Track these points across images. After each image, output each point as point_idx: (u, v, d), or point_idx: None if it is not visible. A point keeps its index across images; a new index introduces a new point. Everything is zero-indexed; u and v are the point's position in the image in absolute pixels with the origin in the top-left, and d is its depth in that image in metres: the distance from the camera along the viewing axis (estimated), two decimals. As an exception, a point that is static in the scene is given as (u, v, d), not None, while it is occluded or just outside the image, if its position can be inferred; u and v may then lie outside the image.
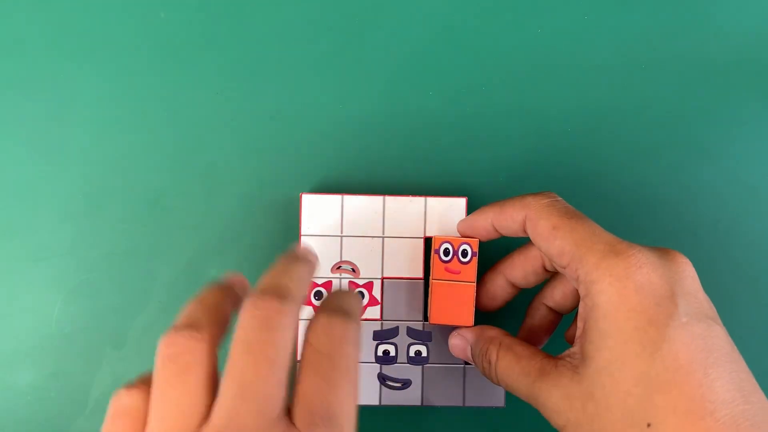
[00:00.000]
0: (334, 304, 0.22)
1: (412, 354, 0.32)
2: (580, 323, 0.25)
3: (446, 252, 0.30)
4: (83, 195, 0.34)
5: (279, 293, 0.21)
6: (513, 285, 0.31)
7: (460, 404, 0.32)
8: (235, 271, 0.25)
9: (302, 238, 0.32)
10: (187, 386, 0.20)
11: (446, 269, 0.30)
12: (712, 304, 0.24)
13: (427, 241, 0.32)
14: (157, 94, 0.34)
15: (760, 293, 0.35)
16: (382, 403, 0.32)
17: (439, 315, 0.30)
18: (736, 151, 0.35)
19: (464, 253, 0.30)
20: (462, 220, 0.31)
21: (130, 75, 0.34)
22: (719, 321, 0.24)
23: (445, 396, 0.32)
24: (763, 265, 0.35)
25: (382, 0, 0.34)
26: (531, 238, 0.27)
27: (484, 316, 0.32)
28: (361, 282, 0.32)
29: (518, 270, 0.30)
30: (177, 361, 0.20)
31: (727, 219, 0.35)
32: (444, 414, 0.35)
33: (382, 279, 0.32)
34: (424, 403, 0.32)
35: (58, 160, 0.34)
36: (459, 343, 0.30)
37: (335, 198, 0.32)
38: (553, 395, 0.24)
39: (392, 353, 0.32)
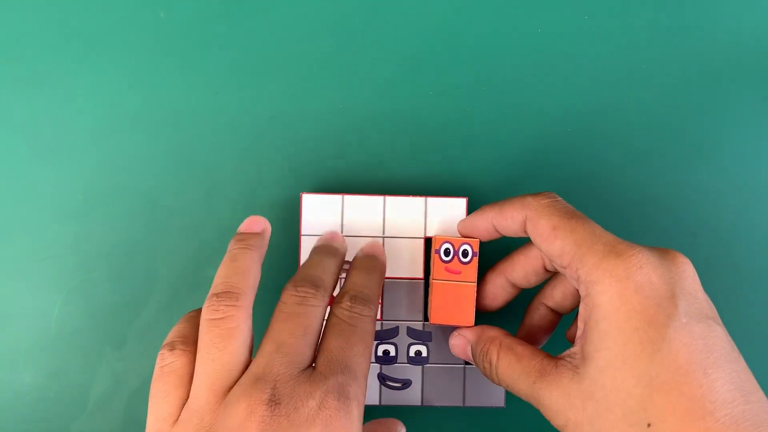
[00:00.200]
0: (357, 289, 0.27)
1: (412, 354, 0.32)
2: (580, 323, 0.25)
3: (447, 252, 0.30)
4: (83, 195, 0.34)
5: (314, 282, 0.26)
6: (513, 285, 0.31)
7: (460, 404, 0.32)
8: (255, 216, 0.29)
9: (302, 238, 0.32)
10: (228, 346, 0.25)
11: (447, 269, 0.30)
12: (712, 305, 0.24)
13: (428, 241, 0.32)
14: (157, 94, 0.34)
15: (760, 293, 0.35)
16: (382, 403, 0.32)
17: (439, 315, 0.30)
18: (736, 152, 0.35)
19: (465, 253, 0.30)
20: (462, 221, 0.31)
21: (130, 75, 0.34)
22: (719, 321, 0.24)
23: (445, 396, 0.32)
24: (763, 265, 0.35)
25: (382, 0, 0.34)
26: (531, 238, 0.27)
27: (484, 316, 0.32)
28: (361, 282, 0.32)
29: (519, 270, 0.30)
30: (219, 326, 0.25)
31: (727, 219, 0.35)
32: (444, 414, 0.35)
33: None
34: (424, 403, 0.32)
35: (58, 160, 0.34)
36: (459, 343, 0.30)
37: (335, 198, 0.32)
38: (554, 395, 0.24)
39: (392, 353, 0.32)
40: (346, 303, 0.27)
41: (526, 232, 0.28)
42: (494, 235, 0.30)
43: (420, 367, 0.32)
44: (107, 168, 0.34)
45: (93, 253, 0.34)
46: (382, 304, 0.32)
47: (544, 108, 0.35)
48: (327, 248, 0.29)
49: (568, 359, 0.25)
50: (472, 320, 0.30)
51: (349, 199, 0.32)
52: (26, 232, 0.34)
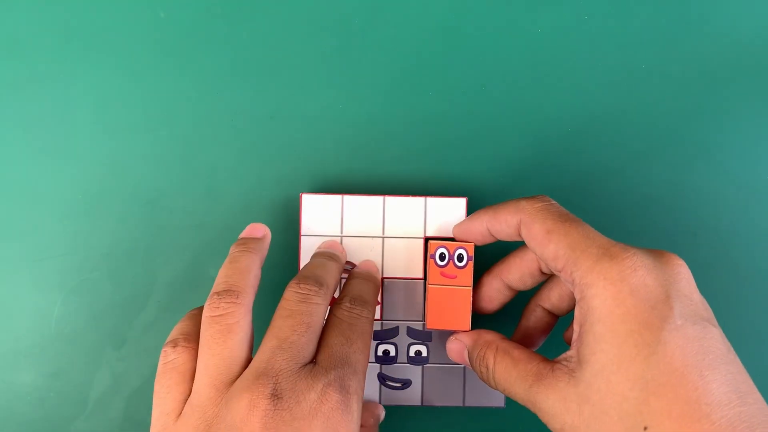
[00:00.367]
0: (356, 293, 0.28)
1: (412, 354, 0.32)
2: (576, 327, 0.25)
3: (442, 257, 0.31)
4: (83, 195, 0.34)
5: (316, 280, 0.27)
6: (510, 287, 0.31)
7: (460, 404, 0.32)
8: (256, 223, 0.30)
9: (302, 238, 0.32)
10: (228, 342, 0.25)
11: (442, 274, 0.31)
12: (707, 306, 0.24)
13: (427, 242, 0.32)
14: (157, 94, 0.34)
15: (760, 293, 0.35)
16: (382, 403, 0.32)
17: (436, 320, 0.30)
18: (736, 152, 0.35)
19: (460, 258, 0.30)
20: (457, 225, 0.31)
21: (130, 75, 0.34)
22: (715, 322, 0.24)
23: (445, 396, 0.32)
24: (763, 265, 0.35)
25: (382, 0, 0.34)
26: (526, 242, 0.27)
27: (481, 318, 0.32)
28: (361, 282, 0.32)
29: (515, 272, 0.30)
30: (220, 322, 0.25)
31: (727, 219, 0.35)
32: (444, 414, 0.35)
33: (382, 279, 0.32)
34: (424, 403, 0.32)
35: (58, 160, 0.34)
36: (456, 348, 0.30)
37: (335, 198, 0.32)
38: (550, 399, 0.24)
39: (392, 353, 0.32)
40: (346, 304, 0.28)
41: (520, 235, 0.28)
42: (489, 239, 0.30)
43: (420, 367, 0.32)
44: (107, 168, 0.34)
45: (93, 253, 0.34)
46: (381, 304, 0.32)
47: (544, 108, 0.35)
48: (328, 253, 0.31)
49: (564, 363, 0.25)
50: (468, 324, 0.30)
51: (349, 199, 0.32)
52: (26, 232, 0.34)
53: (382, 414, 0.32)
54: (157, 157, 0.34)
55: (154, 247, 0.34)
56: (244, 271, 0.27)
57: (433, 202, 0.32)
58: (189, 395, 0.26)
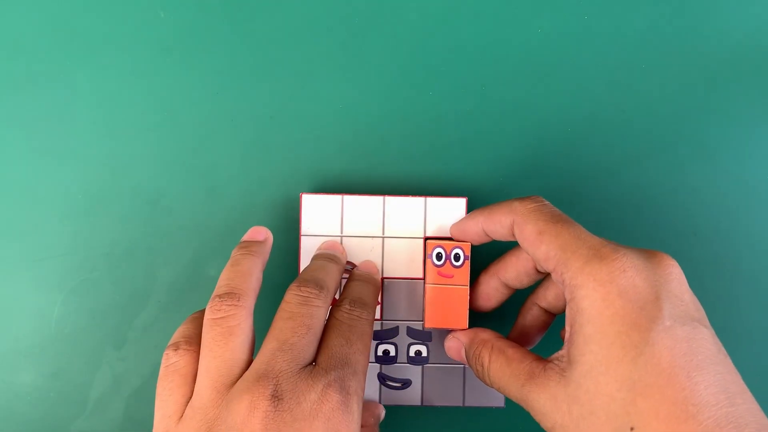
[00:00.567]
0: (355, 295, 0.29)
1: (412, 354, 0.32)
2: (567, 327, 0.25)
3: (438, 256, 0.31)
4: (83, 195, 0.34)
5: (317, 283, 0.27)
6: (506, 286, 0.31)
7: (460, 404, 0.32)
8: (258, 226, 0.31)
9: (302, 238, 0.32)
10: (229, 344, 0.25)
11: (439, 273, 0.31)
12: (699, 306, 0.24)
13: (426, 242, 0.32)
14: (157, 94, 0.34)
15: (760, 293, 0.35)
16: (382, 403, 0.32)
17: (434, 319, 0.31)
18: (736, 151, 0.35)
19: (457, 257, 0.31)
20: (454, 224, 0.31)
21: (130, 75, 0.34)
22: (706, 323, 0.24)
23: (445, 396, 0.32)
24: (763, 265, 0.35)
25: (382, 0, 0.34)
26: (519, 242, 0.27)
27: (479, 316, 0.32)
28: (361, 282, 0.32)
29: (511, 271, 0.30)
30: (222, 324, 0.26)
31: (727, 219, 0.35)
32: (444, 414, 0.35)
33: (382, 279, 0.32)
34: (424, 403, 0.32)
35: (58, 159, 0.34)
36: (454, 346, 0.30)
37: (335, 198, 0.32)
38: (541, 398, 0.25)
39: (392, 353, 0.32)
40: (346, 306, 0.28)
41: (514, 236, 0.28)
42: (485, 239, 0.30)
43: (420, 367, 0.33)
44: (107, 168, 0.34)
45: (93, 253, 0.34)
46: (381, 304, 0.32)
47: (544, 108, 0.35)
48: (328, 255, 0.31)
49: (556, 362, 0.25)
50: (465, 323, 0.30)
51: (349, 199, 0.32)
52: (26, 232, 0.34)
53: (383, 414, 0.32)
54: (157, 157, 0.34)
55: (154, 247, 0.34)
56: (245, 274, 0.27)
57: (433, 202, 0.32)
58: (191, 397, 0.26)
